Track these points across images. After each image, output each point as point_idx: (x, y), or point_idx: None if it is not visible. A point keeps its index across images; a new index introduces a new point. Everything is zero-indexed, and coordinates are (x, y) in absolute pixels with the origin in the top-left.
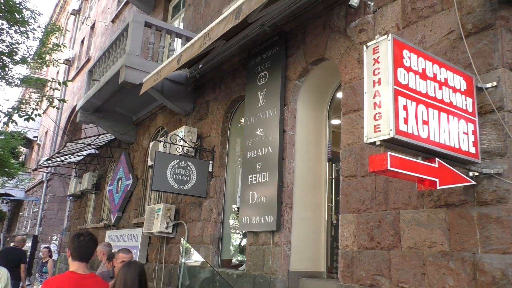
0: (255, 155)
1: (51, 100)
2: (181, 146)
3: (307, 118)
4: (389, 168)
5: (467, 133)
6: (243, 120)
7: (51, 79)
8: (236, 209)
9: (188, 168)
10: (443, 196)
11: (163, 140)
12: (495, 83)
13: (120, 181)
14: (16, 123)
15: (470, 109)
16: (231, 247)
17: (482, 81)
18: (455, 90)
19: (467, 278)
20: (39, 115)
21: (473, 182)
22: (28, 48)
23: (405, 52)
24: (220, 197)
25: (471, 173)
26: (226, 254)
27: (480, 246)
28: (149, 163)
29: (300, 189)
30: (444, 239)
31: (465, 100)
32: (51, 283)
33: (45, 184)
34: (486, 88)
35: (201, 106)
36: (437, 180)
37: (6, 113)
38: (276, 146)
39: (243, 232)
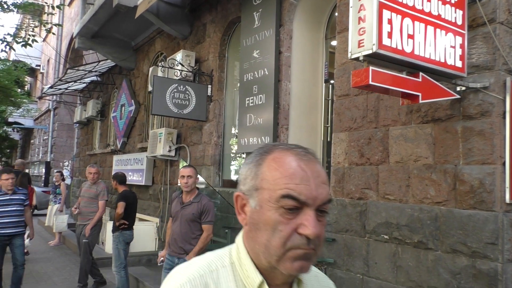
0: (251, 78)
1: (45, 25)
2: (179, 70)
3: (304, 39)
4: (370, 82)
5: (454, 47)
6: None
7: (45, 3)
8: (236, 131)
9: (187, 92)
10: (430, 112)
11: (161, 65)
12: None
13: (123, 108)
14: (14, 49)
15: (459, 22)
16: (232, 168)
17: None
18: (444, 2)
19: (448, 188)
20: (36, 41)
21: (457, 96)
22: None
23: None
24: (219, 120)
25: (458, 88)
26: (227, 174)
27: (462, 158)
28: (150, 88)
29: (296, 110)
30: (429, 153)
31: (455, 12)
32: None
33: (52, 113)
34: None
35: (198, 29)
36: (419, 94)
37: (3, 39)
38: (272, 68)
39: (242, 153)
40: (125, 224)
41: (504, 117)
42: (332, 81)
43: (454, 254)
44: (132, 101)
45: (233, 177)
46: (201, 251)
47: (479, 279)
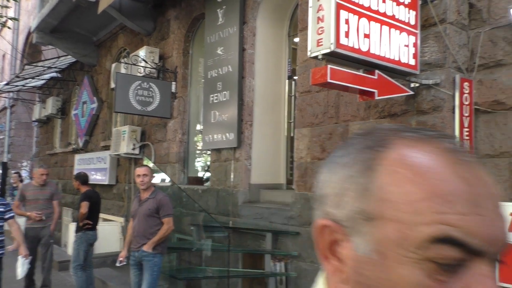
0: (215, 75)
1: (1, 17)
2: (143, 67)
3: (267, 36)
4: (329, 80)
5: (408, 46)
6: None
7: None
8: (200, 128)
9: (151, 89)
10: (387, 107)
11: (124, 61)
12: None
13: (85, 105)
14: None
15: (412, 22)
16: (197, 165)
17: None
18: (398, 3)
19: None
20: None
21: (411, 92)
22: None
23: None
24: (184, 117)
25: (412, 85)
26: (192, 171)
27: None
28: (113, 85)
29: (260, 106)
30: None
31: (408, 13)
32: None
33: (8, 110)
34: (432, 1)
35: (162, 25)
36: (375, 91)
37: None
38: (236, 65)
39: (207, 150)
40: (89, 224)
41: (454, 112)
42: (295, 78)
43: None
44: (94, 98)
45: (199, 174)
46: (159, 242)
47: None
